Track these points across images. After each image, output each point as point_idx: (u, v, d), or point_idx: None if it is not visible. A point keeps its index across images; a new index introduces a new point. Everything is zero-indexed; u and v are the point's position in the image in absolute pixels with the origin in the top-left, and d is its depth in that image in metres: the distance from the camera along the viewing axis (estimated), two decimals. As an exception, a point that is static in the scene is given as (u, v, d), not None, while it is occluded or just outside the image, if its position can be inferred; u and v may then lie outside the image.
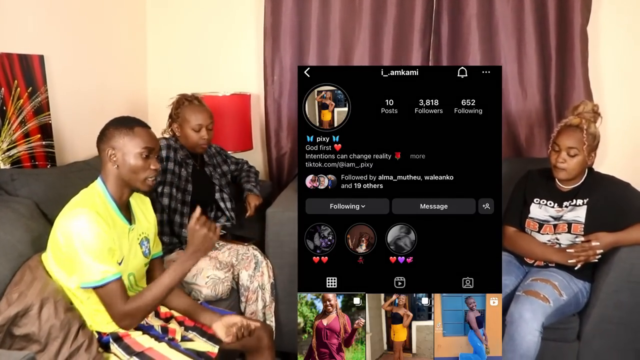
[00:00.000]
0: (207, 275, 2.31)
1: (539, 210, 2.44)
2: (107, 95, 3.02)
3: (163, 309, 2.02)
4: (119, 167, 1.82)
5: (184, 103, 2.52)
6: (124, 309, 1.74)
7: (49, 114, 2.54)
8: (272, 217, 2.53)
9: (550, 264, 2.41)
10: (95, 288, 1.72)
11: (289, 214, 2.52)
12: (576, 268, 2.33)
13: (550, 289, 2.27)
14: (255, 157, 3.36)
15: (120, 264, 1.79)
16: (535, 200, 2.45)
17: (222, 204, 2.62)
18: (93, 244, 1.69)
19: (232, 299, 2.43)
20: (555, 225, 2.40)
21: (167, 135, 2.55)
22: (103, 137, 1.85)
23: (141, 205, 2.02)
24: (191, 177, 2.50)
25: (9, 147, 2.34)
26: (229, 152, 2.93)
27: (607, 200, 2.32)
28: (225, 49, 3.31)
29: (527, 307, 2.19)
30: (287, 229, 2.50)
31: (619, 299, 2.35)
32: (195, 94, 2.62)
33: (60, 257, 1.76)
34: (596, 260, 2.31)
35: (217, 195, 2.62)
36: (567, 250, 2.32)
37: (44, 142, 2.51)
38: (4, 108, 2.31)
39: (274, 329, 2.53)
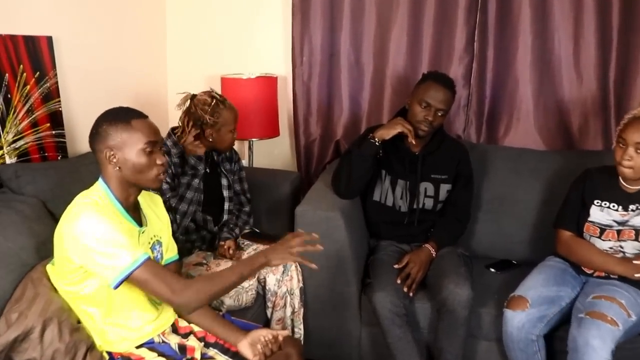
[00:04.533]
0: (230, 284, 2.10)
1: (601, 213, 2.17)
2: (123, 79, 2.79)
3: (182, 323, 1.82)
4: (121, 168, 1.59)
5: (219, 106, 2.25)
6: (180, 285, 1.54)
7: (59, 101, 2.32)
8: (302, 216, 2.31)
9: (612, 275, 2.15)
10: (130, 277, 1.50)
11: (320, 213, 2.29)
12: (646, 282, 2.08)
13: (617, 310, 1.99)
14: (283, 145, 3.13)
15: None
16: (595, 202, 2.18)
17: (226, 205, 2.44)
18: (108, 234, 1.49)
19: (257, 306, 2.22)
20: (619, 231, 2.13)
21: (168, 142, 2.29)
22: (97, 136, 1.60)
23: (151, 204, 1.81)
24: (202, 182, 2.29)
25: (15, 138, 2.14)
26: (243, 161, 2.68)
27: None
28: (250, 27, 3.05)
29: (594, 332, 1.92)
30: (318, 230, 2.25)
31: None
32: (213, 91, 2.34)
33: (72, 269, 1.55)
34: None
35: (226, 194, 2.43)
36: (634, 262, 2.05)
37: (53, 132, 2.30)
38: (9, 96, 2.10)
39: (302, 336, 2.33)
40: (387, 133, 2.31)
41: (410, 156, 2.41)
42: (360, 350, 2.42)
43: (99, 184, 1.63)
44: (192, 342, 1.76)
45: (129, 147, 1.57)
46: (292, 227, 2.34)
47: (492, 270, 2.53)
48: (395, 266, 2.32)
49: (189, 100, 2.29)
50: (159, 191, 2.17)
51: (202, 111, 2.23)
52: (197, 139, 2.27)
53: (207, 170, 2.34)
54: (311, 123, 3.01)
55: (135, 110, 1.65)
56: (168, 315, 1.78)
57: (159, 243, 1.77)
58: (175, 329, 1.79)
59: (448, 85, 2.34)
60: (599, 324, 1.93)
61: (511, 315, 2.09)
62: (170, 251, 1.85)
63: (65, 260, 1.54)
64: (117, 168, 1.59)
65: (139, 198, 1.72)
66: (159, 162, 1.61)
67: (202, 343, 1.79)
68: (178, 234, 2.22)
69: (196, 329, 1.81)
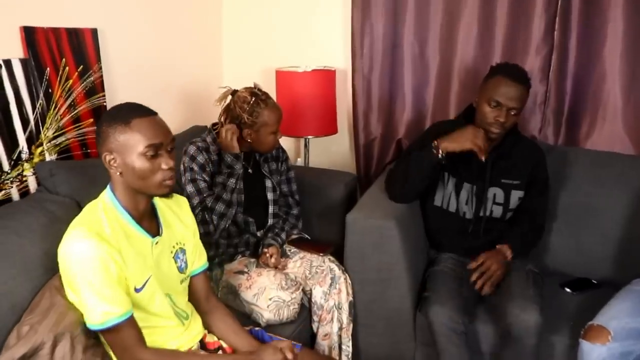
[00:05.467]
0: (270, 297, 1.94)
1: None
2: (174, 74, 2.69)
3: (210, 338, 1.67)
4: (123, 173, 1.44)
5: (259, 105, 2.08)
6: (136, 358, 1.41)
7: (104, 96, 2.24)
8: (353, 224, 2.11)
9: None
10: (99, 332, 1.40)
11: (372, 221, 2.09)
12: None
13: None
14: (341, 143, 2.94)
15: (141, 289, 1.45)
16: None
17: (271, 208, 2.26)
18: (94, 276, 1.35)
19: (301, 320, 2.05)
20: None
21: (208, 138, 2.14)
22: (99, 139, 1.46)
23: (175, 208, 1.65)
24: (243, 182, 2.12)
25: (55, 134, 2.06)
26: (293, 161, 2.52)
27: None
28: (307, 17, 2.87)
29: None
30: (370, 239, 2.08)
31: None
32: (257, 87, 2.15)
33: (71, 286, 1.44)
34: None
35: (270, 196, 2.25)
36: None
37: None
38: (50, 90, 2.02)
39: (350, 354, 2.15)
40: (454, 146, 2.06)
41: (478, 158, 2.14)
42: (415, 371, 2.21)
43: (106, 191, 1.49)
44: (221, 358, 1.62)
45: (129, 151, 1.41)
46: (344, 234, 2.15)
47: (568, 290, 2.23)
48: (470, 266, 2.09)
49: (229, 96, 2.14)
50: (196, 190, 2.05)
51: (240, 109, 2.07)
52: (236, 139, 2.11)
53: (250, 170, 2.18)
54: (371, 120, 2.80)
55: (140, 107, 1.47)
56: (196, 331, 1.64)
57: (182, 251, 1.62)
58: (203, 345, 1.65)
59: (521, 80, 2.05)
60: None
61: (589, 348, 1.80)
62: (198, 260, 1.69)
63: (64, 273, 1.44)
64: (119, 173, 1.43)
65: (158, 201, 1.58)
66: (164, 166, 1.43)
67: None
68: (217, 237, 2.08)
69: (225, 344, 1.67)
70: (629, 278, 2.03)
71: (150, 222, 1.54)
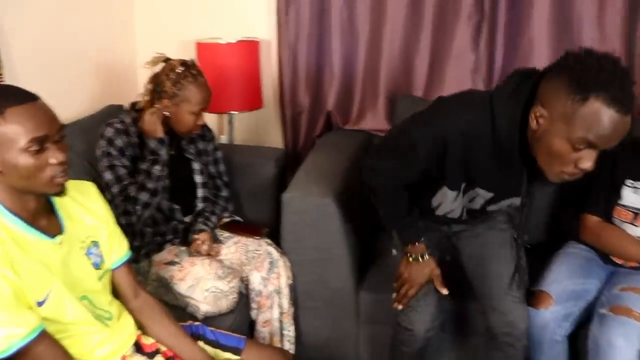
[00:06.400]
0: (206, 289, 1.80)
1: (634, 195, 1.88)
2: (81, 44, 2.42)
3: (146, 340, 1.52)
4: (3, 173, 1.21)
5: (187, 78, 1.90)
6: None
7: (0, 74, 1.97)
8: (290, 203, 2.00)
9: (645, 266, 1.88)
10: None
11: (310, 199, 1.98)
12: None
13: (645, 303, 1.75)
14: (267, 118, 2.80)
15: (43, 302, 1.26)
16: (628, 182, 1.89)
17: (200, 192, 2.09)
18: None
19: (239, 310, 1.92)
20: (655, 217, 1.84)
21: (126, 119, 1.94)
22: None
23: (79, 197, 1.42)
24: (168, 167, 1.94)
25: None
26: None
27: None
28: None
29: (617, 330, 1.70)
30: (308, 219, 1.98)
31: None
32: (192, 61, 1.98)
33: None
34: None
35: (198, 179, 2.09)
36: (676, 252, 1.77)
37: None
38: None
39: (293, 339, 2.06)
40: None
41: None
42: (358, 351, 2.15)
43: None
44: (159, 364, 1.48)
45: (8, 147, 1.18)
46: (279, 214, 2.03)
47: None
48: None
49: (161, 64, 1.95)
50: (116, 177, 1.86)
51: (165, 76, 1.89)
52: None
53: (173, 152, 2.00)
54: (299, 92, 2.67)
55: (16, 92, 1.22)
56: (127, 333, 1.47)
57: (95, 244, 1.42)
58: (139, 348, 1.50)
59: (631, 106, 1.28)
60: (624, 321, 1.71)
61: (534, 314, 1.82)
62: (117, 251, 1.49)
63: None
64: None
65: (56, 197, 1.33)
66: (53, 161, 1.21)
67: (173, 365, 1.51)
68: (140, 226, 1.91)
69: (163, 347, 1.52)
70: (560, 242, 2.07)
71: (48, 220, 1.32)
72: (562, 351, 1.93)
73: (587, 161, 1.31)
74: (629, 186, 1.89)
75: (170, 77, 1.89)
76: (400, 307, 1.78)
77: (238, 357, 1.57)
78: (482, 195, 1.68)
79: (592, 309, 1.86)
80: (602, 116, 1.24)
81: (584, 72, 1.25)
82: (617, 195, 1.91)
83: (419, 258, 1.77)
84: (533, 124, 1.36)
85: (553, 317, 1.83)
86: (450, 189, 1.65)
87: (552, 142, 1.33)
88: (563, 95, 1.27)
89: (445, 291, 1.77)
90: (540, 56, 2.38)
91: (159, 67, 1.97)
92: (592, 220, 1.95)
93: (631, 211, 1.89)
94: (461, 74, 2.45)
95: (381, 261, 2.22)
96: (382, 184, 1.72)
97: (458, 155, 1.53)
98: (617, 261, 1.94)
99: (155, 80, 1.95)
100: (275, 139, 2.80)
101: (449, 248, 1.95)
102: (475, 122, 1.48)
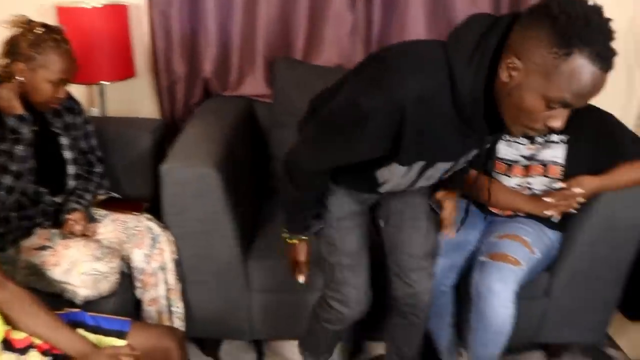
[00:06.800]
0: (83, 272, 1.68)
1: (508, 148, 1.98)
2: None
3: (17, 335, 1.39)
4: None
5: (48, 42, 1.72)
6: None
7: None
8: (169, 175, 1.89)
9: (519, 214, 1.99)
10: None
11: (190, 170, 1.89)
12: (555, 220, 1.93)
13: (520, 247, 1.87)
14: (141, 88, 2.64)
15: None
16: (504, 136, 1.98)
17: (71, 169, 1.94)
18: None
19: (122, 291, 1.82)
20: (526, 167, 1.95)
21: None
22: None
23: None
24: (32, 146, 1.77)
25: None
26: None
27: (591, 136, 1.89)
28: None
29: (495, 276, 1.80)
30: (189, 190, 1.89)
31: (595, 252, 2.01)
32: (58, 27, 1.80)
33: None
34: (575, 212, 1.91)
35: (68, 155, 1.93)
36: (544, 199, 1.89)
37: None
38: None
39: (182, 316, 1.99)
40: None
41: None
42: (252, 320, 2.12)
43: None
44: (33, 358, 1.36)
45: None
46: (158, 187, 1.93)
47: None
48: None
49: (22, 25, 1.75)
50: None
51: (23, 37, 1.71)
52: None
53: (36, 128, 1.81)
54: (174, 60, 2.53)
55: None
56: (-7, 329, 1.35)
57: None
58: (9, 346, 1.37)
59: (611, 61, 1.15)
60: (501, 266, 1.81)
61: None
62: None
63: None
64: None
65: None
66: None
67: (50, 358, 1.40)
68: (5, 213, 1.75)
69: (37, 340, 1.40)
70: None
71: None
72: (449, 301, 2.02)
73: (558, 120, 1.20)
74: (503, 140, 1.98)
75: (29, 37, 1.71)
76: (301, 279, 1.75)
77: (124, 341, 1.49)
78: (441, 167, 1.50)
79: (473, 259, 1.96)
80: (585, 73, 1.11)
81: (569, 23, 1.10)
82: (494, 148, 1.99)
83: (292, 239, 1.70)
84: (504, 75, 1.19)
85: (440, 269, 1.90)
86: (401, 164, 1.43)
87: (524, 97, 1.18)
88: (544, 47, 1.12)
89: (301, 279, 1.73)
90: (417, 15, 2.41)
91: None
92: (471, 173, 2.02)
93: (505, 163, 1.98)
94: (340, 35, 2.43)
95: (268, 227, 2.19)
96: (307, 173, 1.51)
97: (416, 127, 1.30)
98: (494, 211, 2.04)
99: (12, 41, 1.75)
100: (151, 109, 2.66)
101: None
102: (434, 86, 1.26)
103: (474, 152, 1.50)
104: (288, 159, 1.52)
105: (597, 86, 1.14)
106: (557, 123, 1.20)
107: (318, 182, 1.56)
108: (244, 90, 2.56)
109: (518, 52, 1.16)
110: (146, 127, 2.34)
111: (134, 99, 2.67)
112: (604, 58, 1.11)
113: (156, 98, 2.63)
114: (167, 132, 2.50)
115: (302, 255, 1.73)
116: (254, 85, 2.55)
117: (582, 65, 1.10)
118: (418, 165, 1.44)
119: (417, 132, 1.30)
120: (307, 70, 2.45)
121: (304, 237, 1.70)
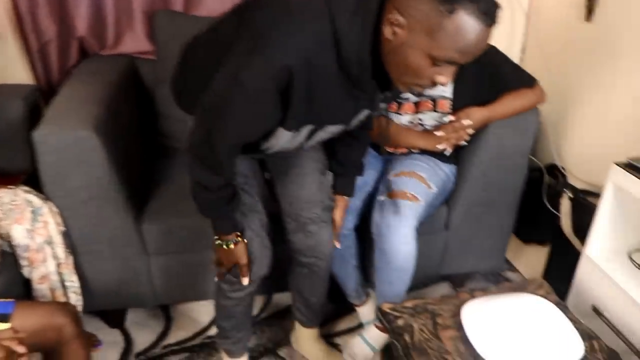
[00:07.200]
0: (-47, 254, 1.54)
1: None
2: None
3: None
4: None
5: None
6: None
7: None
8: (44, 142, 1.74)
9: (413, 151, 2.00)
10: None
11: (66, 134, 1.74)
12: (447, 153, 1.96)
13: (417, 183, 1.89)
14: (7, 51, 2.41)
15: None
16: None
17: None
18: None
19: (7, 271, 1.69)
20: (416, 103, 1.96)
21: None
22: None
23: None
24: None
25: None
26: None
27: (475, 68, 1.90)
28: None
29: (394, 214, 1.81)
30: (69, 156, 1.75)
31: (488, 181, 2.08)
32: None
33: None
34: (466, 143, 1.94)
35: None
36: (435, 133, 1.90)
37: None
38: None
39: (78, 290, 1.88)
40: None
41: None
42: (154, 285, 2.04)
43: None
44: None
45: None
46: (33, 156, 1.78)
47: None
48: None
49: None
50: None
51: None
52: None
53: None
54: (41, 18, 2.30)
55: None
56: None
57: None
58: None
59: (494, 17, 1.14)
60: (399, 203, 1.82)
61: None
62: None
63: None
64: None
65: None
66: None
67: None
68: None
69: None
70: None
71: None
72: (351, 244, 2.02)
73: (444, 76, 1.18)
74: (389, 78, 1.97)
75: None
76: (245, 281, 1.64)
77: (7, 325, 1.38)
78: (331, 130, 1.46)
79: (373, 199, 1.96)
80: (469, 30, 1.08)
81: None
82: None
83: (229, 244, 1.57)
84: (388, 32, 1.16)
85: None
86: (288, 129, 1.36)
87: (409, 54, 1.15)
88: (426, 4, 1.09)
89: (246, 281, 1.62)
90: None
91: None
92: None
93: (396, 102, 1.97)
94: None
95: (162, 187, 2.10)
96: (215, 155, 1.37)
97: (303, 91, 1.24)
98: (389, 150, 2.04)
99: None
100: (22, 74, 2.44)
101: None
102: (319, 45, 1.20)
103: (366, 112, 1.47)
104: (191, 149, 1.40)
105: (482, 42, 1.12)
106: (443, 79, 1.18)
107: (227, 158, 1.41)
108: (124, 48, 2.39)
109: (401, 8, 1.12)
110: (17, 94, 2.14)
111: (1, 64, 2.44)
112: (488, 13, 1.09)
113: (27, 61, 2.41)
114: (44, 98, 2.31)
115: (243, 258, 1.59)
116: (135, 42, 2.39)
117: (467, 22, 1.08)
118: (306, 129, 1.39)
119: (304, 97, 1.25)
120: (190, 22, 2.31)
121: (239, 239, 1.58)
